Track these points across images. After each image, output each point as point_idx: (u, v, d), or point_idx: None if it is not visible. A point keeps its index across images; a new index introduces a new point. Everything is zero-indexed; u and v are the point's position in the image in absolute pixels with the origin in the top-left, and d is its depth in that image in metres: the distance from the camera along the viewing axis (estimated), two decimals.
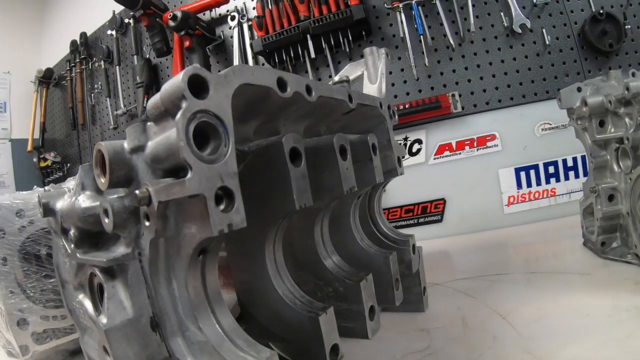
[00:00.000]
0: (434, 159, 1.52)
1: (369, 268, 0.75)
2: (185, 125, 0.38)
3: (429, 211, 1.53)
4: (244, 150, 0.58)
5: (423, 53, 1.46)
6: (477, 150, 1.48)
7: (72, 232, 0.51)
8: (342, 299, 0.66)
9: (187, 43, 1.73)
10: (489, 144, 1.47)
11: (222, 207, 0.40)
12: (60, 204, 0.54)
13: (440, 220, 1.52)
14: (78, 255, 0.49)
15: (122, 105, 2.18)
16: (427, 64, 1.47)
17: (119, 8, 1.95)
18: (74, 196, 0.51)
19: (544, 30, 1.40)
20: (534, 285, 0.88)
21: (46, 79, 2.67)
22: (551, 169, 1.43)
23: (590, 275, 0.88)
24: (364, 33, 1.53)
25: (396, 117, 0.88)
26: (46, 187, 0.95)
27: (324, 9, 1.50)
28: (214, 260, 0.50)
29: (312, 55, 1.55)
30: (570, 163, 1.41)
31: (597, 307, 0.72)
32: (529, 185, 1.44)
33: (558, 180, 1.43)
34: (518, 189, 1.45)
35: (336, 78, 0.84)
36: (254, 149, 0.57)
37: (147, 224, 0.44)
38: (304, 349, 0.58)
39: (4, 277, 0.89)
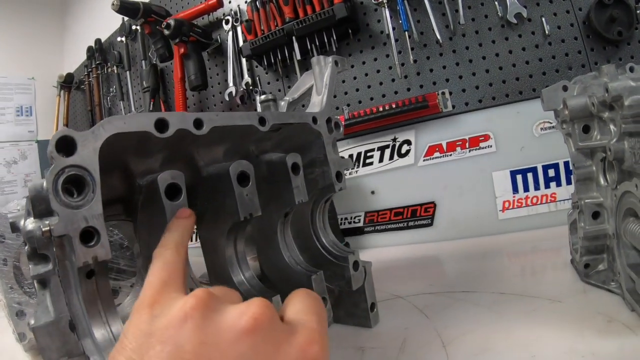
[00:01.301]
0: (424, 160, 1.53)
1: (296, 285, 0.77)
2: (52, 180, 0.50)
3: (419, 214, 1.55)
4: (140, 184, 0.67)
5: (410, 50, 1.46)
6: (470, 151, 1.47)
7: (27, 248, 0.61)
8: None
9: (182, 50, 1.84)
10: (482, 144, 1.45)
11: (91, 242, 0.51)
12: (21, 223, 0.64)
13: (430, 224, 1.53)
14: (30, 267, 0.61)
15: (133, 109, 2.28)
16: (413, 61, 1.48)
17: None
18: (24, 220, 0.61)
19: (543, 19, 1.35)
20: (495, 309, 0.86)
21: (67, 83, 2.92)
22: (551, 172, 1.38)
23: (561, 304, 0.82)
24: (350, 31, 1.56)
25: (341, 129, 0.90)
26: (19, 206, 1.06)
27: (309, 9, 1.55)
28: (105, 280, 0.60)
29: (298, 57, 1.60)
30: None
31: (549, 347, 0.68)
32: (526, 189, 1.41)
33: (559, 184, 1.38)
34: (514, 193, 1.42)
35: (262, 97, 0.87)
36: (144, 184, 0.66)
37: (54, 249, 0.56)
38: None
39: (5, 275, 1.09)
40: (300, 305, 0.51)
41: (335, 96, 1.61)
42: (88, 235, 0.51)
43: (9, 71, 3.01)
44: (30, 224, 0.58)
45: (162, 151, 0.68)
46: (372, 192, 1.63)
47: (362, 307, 0.89)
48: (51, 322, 0.59)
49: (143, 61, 2.21)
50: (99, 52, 2.59)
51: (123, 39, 2.38)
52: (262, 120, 0.74)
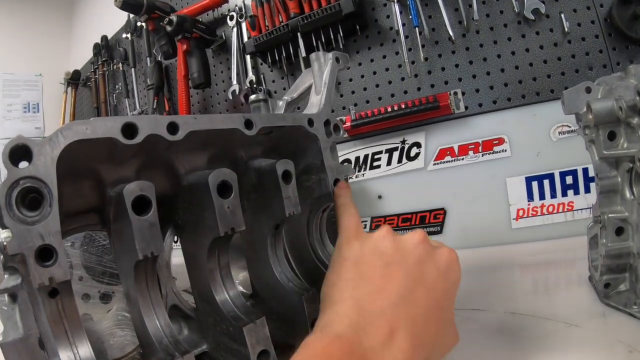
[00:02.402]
0: (434, 164, 1.46)
1: (287, 304, 0.75)
2: (4, 194, 0.45)
3: (428, 221, 1.48)
4: (110, 194, 0.61)
5: (420, 47, 1.40)
6: (483, 155, 1.39)
7: (1, 257, 0.58)
8: (233, 338, 0.67)
9: (184, 47, 1.80)
10: (496, 148, 1.38)
11: (49, 262, 0.47)
12: None
13: (439, 232, 1.47)
14: (5, 277, 0.57)
15: (138, 106, 2.27)
16: (423, 59, 1.40)
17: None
18: None
19: (562, 16, 1.27)
20: (504, 332, 0.79)
21: (74, 80, 2.93)
22: (569, 180, 1.30)
23: (579, 329, 0.74)
24: (357, 27, 1.50)
25: (341, 132, 0.83)
26: None
27: (314, 4, 1.49)
28: (70, 299, 0.55)
29: (303, 54, 1.55)
30: (592, 172, 1.22)
31: None
32: (542, 197, 1.33)
33: (577, 192, 1.29)
34: (529, 201, 1.34)
35: (252, 97, 0.81)
36: (113, 195, 0.60)
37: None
38: None
39: None
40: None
41: (341, 95, 1.56)
42: (46, 254, 0.47)
43: (16, 68, 3.01)
44: (2, 233, 0.54)
45: (136, 158, 0.63)
46: (379, 197, 1.57)
47: None
48: (20, 338, 0.55)
49: (147, 58, 2.18)
50: (105, 48, 2.57)
51: (128, 35, 2.35)
52: (248, 123, 0.68)
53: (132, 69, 2.34)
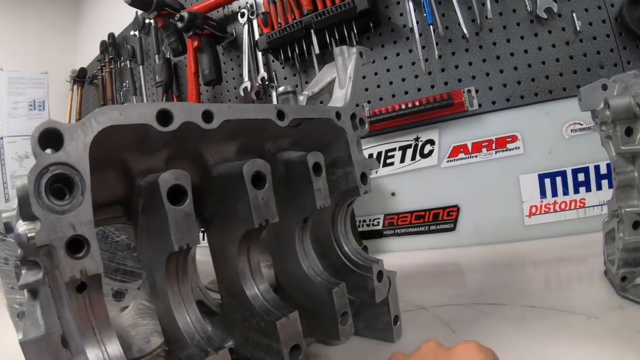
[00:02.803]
0: (448, 161, 1.43)
1: (315, 298, 0.72)
2: (33, 181, 0.41)
3: (441, 218, 1.45)
4: (140, 184, 0.57)
5: (435, 45, 1.37)
6: (496, 153, 1.37)
7: (19, 252, 0.56)
8: (264, 333, 0.64)
9: (195, 43, 1.77)
10: (509, 146, 1.35)
11: (80, 253, 0.43)
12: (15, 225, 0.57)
13: (453, 229, 1.44)
14: (22, 272, 0.55)
15: None
16: (437, 57, 1.37)
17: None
18: (15, 222, 0.54)
19: (574, 15, 1.24)
20: (525, 325, 0.78)
21: (80, 78, 2.89)
22: (581, 177, 1.28)
23: (598, 320, 0.74)
24: (371, 25, 1.46)
25: (366, 126, 0.81)
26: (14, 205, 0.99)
27: (328, 1, 1.46)
28: (99, 294, 0.52)
29: (317, 51, 1.51)
30: (603, 170, 1.25)
31: None
32: (555, 194, 1.31)
33: (589, 189, 1.28)
34: (542, 198, 1.32)
35: (280, 89, 0.78)
36: (144, 184, 0.56)
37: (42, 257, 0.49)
38: None
39: (6, 275, 1.02)
40: None
41: None
42: (76, 245, 0.42)
43: (21, 65, 2.95)
44: (20, 226, 0.50)
45: (166, 147, 0.60)
46: (393, 194, 1.54)
47: (385, 320, 0.80)
48: (41, 336, 0.52)
49: (156, 55, 2.12)
50: (112, 46, 2.52)
51: (136, 33, 2.30)
52: (280, 114, 0.65)
53: (140, 66, 2.30)
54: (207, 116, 0.55)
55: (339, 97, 0.85)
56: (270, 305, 0.65)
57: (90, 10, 3.01)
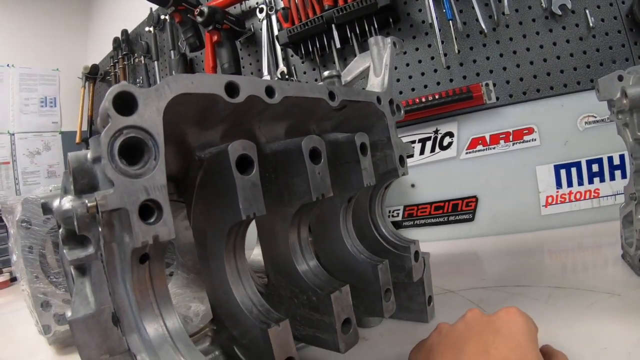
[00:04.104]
0: (466, 153, 1.43)
1: (359, 276, 0.71)
2: (107, 143, 0.40)
3: (460, 209, 1.45)
4: (201, 157, 0.56)
5: (454, 40, 1.36)
6: (513, 144, 1.37)
7: (61, 230, 0.53)
8: (315, 308, 0.63)
9: (215, 37, 1.76)
10: (526, 138, 1.35)
11: (151, 219, 0.41)
12: (55, 204, 0.56)
13: (471, 219, 1.44)
14: (64, 251, 0.52)
15: None
16: (457, 51, 1.37)
17: (156, 5, 1.96)
18: (60, 199, 0.53)
19: (587, 11, 1.25)
20: (553, 304, 0.79)
21: (92, 74, 2.86)
22: (595, 168, 1.29)
23: (621, 297, 0.76)
24: (391, 20, 1.46)
25: (402, 112, 0.81)
26: (51, 187, 0.98)
27: None
28: (160, 266, 0.51)
29: (338, 45, 1.50)
30: (616, 161, 1.26)
31: (618, 340, 0.62)
32: (570, 184, 1.31)
33: (602, 180, 1.28)
34: (557, 188, 1.33)
35: (326, 73, 0.78)
36: (207, 156, 0.55)
37: (100, 229, 0.46)
38: (259, 357, 0.57)
39: (30, 264, 1.00)
40: None
41: None
42: (146, 211, 0.41)
43: (33, 62, 2.92)
44: (67, 202, 0.51)
45: (223, 123, 0.59)
46: (412, 186, 1.54)
47: (419, 301, 0.81)
48: (91, 314, 0.49)
49: (172, 51, 2.10)
50: (125, 42, 2.50)
51: (151, 29, 2.29)
52: (331, 95, 0.65)
53: (155, 62, 2.28)
54: (270, 91, 0.55)
55: (376, 84, 0.86)
56: (321, 280, 0.64)
57: (102, 6, 2.99)
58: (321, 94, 0.63)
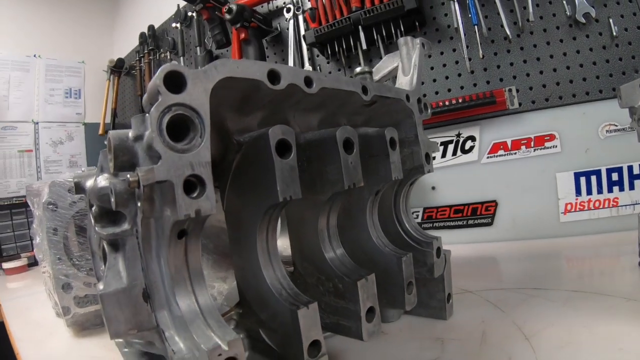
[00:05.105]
0: (488, 157, 1.44)
1: (382, 268, 0.72)
2: (157, 117, 0.42)
3: (479, 213, 1.45)
4: (240, 141, 0.58)
5: (479, 45, 1.37)
6: (534, 150, 1.37)
7: (94, 208, 0.56)
8: (340, 296, 0.65)
9: (242, 35, 1.78)
10: (547, 144, 1.36)
11: (193, 194, 0.43)
12: (88, 184, 0.59)
13: (490, 224, 1.44)
14: (96, 228, 0.54)
15: None
16: (481, 56, 1.38)
17: (183, 2, 1.99)
18: (96, 177, 0.56)
19: (610, 20, 1.25)
20: (571, 306, 0.80)
21: (118, 68, 2.90)
22: (614, 176, 1.28)
23: (637, 302, 0.77)
24: (417, 24, 1.47)
25: (429, 111, 0.83)
26: (82, 169, 1.01)
27: None
28: (196, 243, 0.52)
29: (364, 46, 1.52)
30: (636, 170, 1.26)
31: (634, 341, 0.63)
32: (589, 192, 1.31)
33: (622, 189, 1.28)
34: (577, 195, 1.32)
35: (358, 69, 0.80)
36: (247, 140, 0.57)
37: (139, 204, 0.48)
38: (285, 341, 0.58)
39: (54, 246, 1.02)
40: None
41: None
42: (190, 186, 0.43)
43: (59, 54, 2.97)
44: (103, 180, 0.53)
45: (262, 110, 0.61)
46: (433, 188, 1.55)
47: (438, 298, 0.82)
48: (122, 289, 0.51)
49: (198, 47, 2.14)
50: (152, 38, 2.54)
51: (178, 25, 2.32)
52: (364, 89, 0.67)
53: (181, 58, 2.31)
54: (308, 81, 0.57)
55: (404, 83, 0.87)
56: (347, 268, 0.66)
57: (129, 1, 3.04)
58: (355, 87, 0.65)
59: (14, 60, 2.83)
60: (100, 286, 0.51)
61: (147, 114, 0.47)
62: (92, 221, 0.57)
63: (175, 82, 0.44)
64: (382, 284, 0.71)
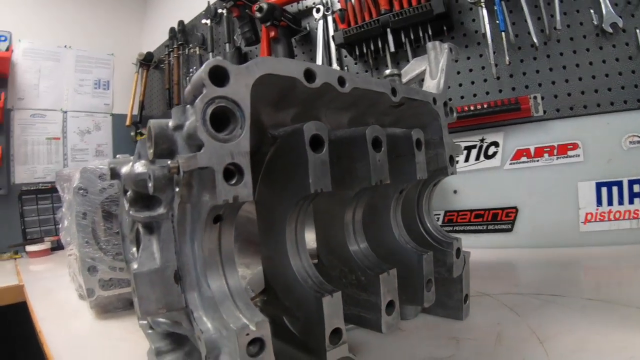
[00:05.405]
0: (510, 164, 1.44)
1: (403, 264, 0.74)
2: (202, 108, 0.45)
3: (500, 219, 1.46)
4: (275, 134, 0.61)
5: (506, 51, 1.38)
6: (557, 159, 1.37)
7: (129, 193, 0.60)
8: (362, 288, 0.67)
9: (272, 34, 1.81)
10: (570, 153, 1.36)
11: (232, 181, 0.46)
12: (124, 170, 0.63)
13: (510, 230, 1.45)
14: (131, 212, 0.58)
15: None
16: (507, 63, 1.38)
17: None
18: (133, 164, 0.60)
19: (637, 31, 1.25)
20: (586, 313, 0.81)
21: (146, 61, 2.96)
22: (636, 188, 1.27)
23: None
24: (445, 28, 1.49)
25: (454, 115, 0.85)
26: (118, 156, 1.06)
27: (405, 2, 1.49)
28: (230, 228, 0.55)
29: (392, 49, 1.54)
30: None
31: None
32: (610, 203, 1.30)
33: None
34: (597, 206, 1.32)
35: (387, 72, 0.83)
36: (282, 134, 0.60)
37: (177, 190, 0.52)
38: (308, 328, 0.60)
39: (82, 229, 1.07)
40: None
41: None
42: (229, 174, 0.46)
43: (89, 45, 3.05)
44: (140, 166, 0.57)
45: (297, 107, 0.64)
46: (455, 192, 1.56)
47: (456, 298, 0.84)
48: (155, 269, 0.54)
49: (227, 44, 2.18)
50: (181, 33, 2.60)
51: (207, 21, 2.37)
52: (394, 91, 0.70)
53: (210, 54, 2.35)
54: (341, 81, 0.60)
55: (431, 86, 0.90)
56: (370, 261, 0.68)
57: None
58: (385, 88, 0.68)
59: (45, 50, 2.91)
60: (135, 266, 0.54)
61: (187, 105, 0.49)
62: (126, 205, 0.60)
63: (219, 76, 0.47)
64: (402, 280, 0.73)
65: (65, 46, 2.98)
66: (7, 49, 2.68)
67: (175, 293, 0.55)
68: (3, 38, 2.70)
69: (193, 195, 0.52)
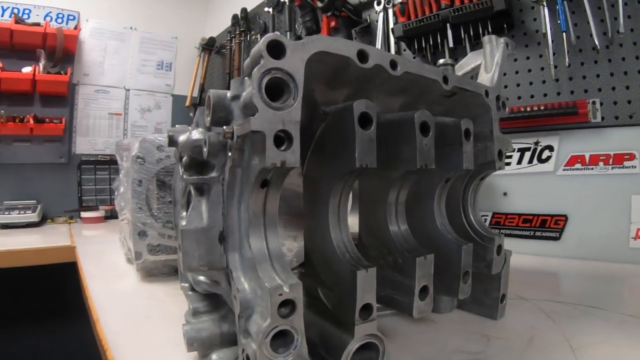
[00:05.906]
0: (564, 170, 1.40)
1: (442, 253, 0.74)
2: (258, 77, 0.48)
3: (548, 226, 1.42)
4: (326, 111, 0.63)
5: (566, 52, 1.34)
6: (612, 168, 1.32)
7: (184, 159, 0.64)
8: (399, 270, 0.68)
9: (332, 24, 1.84)
10: (626, 163, 1.30)
11: (282, 147, 0.48)
12: (181, 137, 0.67)
13: (557, 238, 1.40)
14: (184, 176, 0.62)
15: None
16: (567, 65, 1.35)
17: None
18: (190, 131, 0.64)
19: None
20: (623, 328, 0.79)
21: (209, 46, 3.06)
22: None
23: None
24: (505, 26, 1.47)
25: (506, 109, 0.84)
26: (177, 125, 1.11)
27: None
28: (276, 194, 0.58)
29: (451, 44, 1.54)
30: None
31: None
32: None
33: None
34: None
35: (441, 61, 0.83)
36: (333, 110, 0.62)
37: (229, 154, 0.55)
38: (341, 300, 0.62)
39: (137, 195, 1.14)
40: None
41: None
42: (279, 140, 0.48)
43: (154, 28, 3.20)
44: (198, 133, 0.61)
45: (349, 86, 0.66)
46: (504, 194, 1.53)
47: (493, 296, 0.83)
48: (202, 228, 0.57)
49: (288, 32, 2.21)
50: (244, 20, 2.66)
51: (270, 9, 2.42)
52: (445, 79, 0.70)
53: None
54: (393, 64, 0.61)
55: (485, 80, 0.90)
56: (409, 244, 0.69)
57: None
58: (437, 76, 0.69)
59: (112, 30, 3.06)
60: (183, 222, 0.58)
61: (246, 77, 0.53)
62: (181, 171, 0.64)
63: (276, 49, 0.49)
64: (439, 269, 0.73)
65: (131, 28, 3.12)
66: (75, 28, 2.85)
67: (217, 253, 0.58)
68: (72, 17, 2.87)
69: (244, 160, 0.55)
